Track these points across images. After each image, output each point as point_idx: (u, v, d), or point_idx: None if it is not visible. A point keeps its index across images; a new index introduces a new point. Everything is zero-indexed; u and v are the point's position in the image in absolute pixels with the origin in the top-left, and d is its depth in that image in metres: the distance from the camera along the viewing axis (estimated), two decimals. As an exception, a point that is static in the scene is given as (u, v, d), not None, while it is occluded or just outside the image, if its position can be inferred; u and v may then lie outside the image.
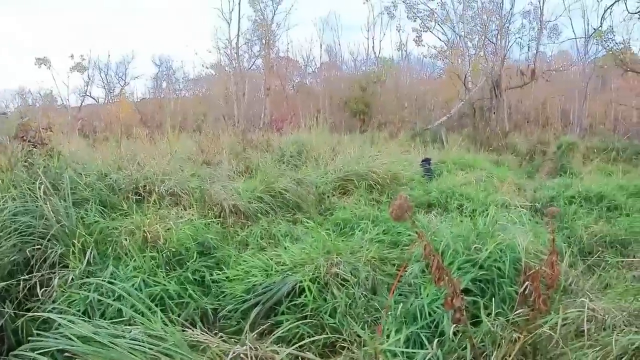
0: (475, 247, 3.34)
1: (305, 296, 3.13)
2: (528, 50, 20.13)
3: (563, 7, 19.94)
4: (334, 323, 2.96)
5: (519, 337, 2.41)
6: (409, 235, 4.47)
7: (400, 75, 26.18)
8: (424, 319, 2.74)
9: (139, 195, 4.89)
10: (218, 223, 4.70)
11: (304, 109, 20.48)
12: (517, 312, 2.58)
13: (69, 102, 26.57)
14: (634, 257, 4.87)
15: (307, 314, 3.06)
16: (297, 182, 5.99)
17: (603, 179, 9.50)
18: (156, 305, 2.95)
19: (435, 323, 2.73)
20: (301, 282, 3.19)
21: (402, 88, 24.62)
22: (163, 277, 3.45)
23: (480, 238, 3.52)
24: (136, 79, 30.61)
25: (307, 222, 4.92)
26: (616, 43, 11.57)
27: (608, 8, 8.93)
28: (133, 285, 3.23)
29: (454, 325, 2.44)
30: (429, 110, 23.66)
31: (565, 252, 3.96)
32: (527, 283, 2.53)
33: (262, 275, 3.45)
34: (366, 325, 2.93)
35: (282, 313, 3.13)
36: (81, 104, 26.67)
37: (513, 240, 3.35)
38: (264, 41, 23.07)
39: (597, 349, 2.29)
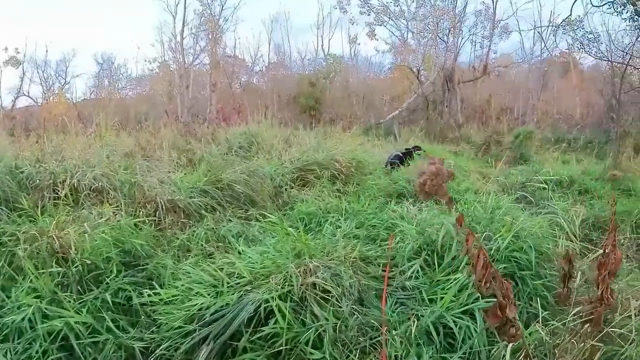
0: (484, 237, 2.67)
1: (276, 322, 2.19)
2: (481, 47, 20.25)
3: (514, 8, 20.50)
4: (323, 358, 2.07)
5: (584, 344, 1.74)
6: (389, 227, 3.81)
7: (349, 72, 25.74)
8: (443, 335, 2.00)
9: (56, 194, 3.87)
10: (151, 224, 3.72)
11: (251, 106, 19.51)
12: (574, 311, 1.91)
13: (1, 100, 23.87)
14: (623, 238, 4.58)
15: (280, 348, 2.14)
16: (249, 173, 5.16)
17: (564, 166, 9.40)
18: (59, 348, 2.08)
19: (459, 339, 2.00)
20: (267, 301, 2.26)
21: (351, 85, 24.17)
22: (72, 302, 2.51)
23: (486, 226, 2.87)
24: (77, 77, 28.20)
25: (265, 219, 4.08)
26: (586, 32, 11.59)
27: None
28: (24, 318, 2.29)
29: (507, 343, 1.72)
30: (378, 106, 23.32)
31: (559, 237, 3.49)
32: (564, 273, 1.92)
33: (210, 295, 2.47)
34: (365, 353, 2.08)
35: (244, 350, 2.18)
36: (14, 101, 23.96)
37: (530, 226, 2.71)
38: (210, 36, 21.90)
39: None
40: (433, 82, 18.98)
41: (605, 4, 8.82)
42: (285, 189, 5.44)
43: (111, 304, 2.57)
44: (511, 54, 23.74)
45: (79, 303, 2.53)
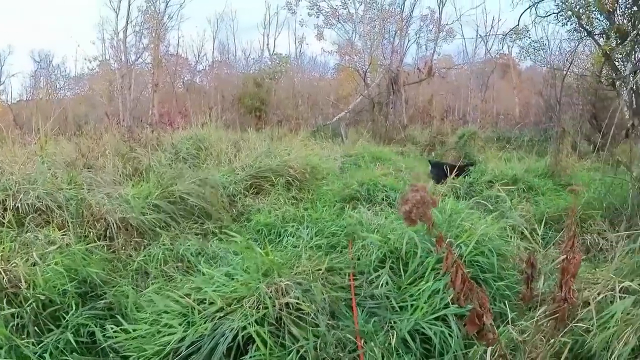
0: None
1: (256, 349, 2.14)
2: (426, 49, 21.03)
3: (458, 14, 21.55)
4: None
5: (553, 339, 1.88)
6: (349, 234, 3.87)
7: (295, 73, 25.73)
8: (419, 342, 2.08)
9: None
10: (104, 246, 3.52)
11: (194, 107, 19.02)
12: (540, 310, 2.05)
13: None
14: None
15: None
16: (201, 183, 5.06)
17: (508, 164, 9.92)
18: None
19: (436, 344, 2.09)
20: (245, 328, 2.19)
21: (297, 85, 24.17)
22: (32, 346, 2.32)
23: (446, 232, 2.98)
24: (12, 77, 26.24)
25: (222, 232, 4.02)
26: (533, 41, 12.27)
27: (526, 10, 9.35)
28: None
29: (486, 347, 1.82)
30: (322, 107, 23.49)
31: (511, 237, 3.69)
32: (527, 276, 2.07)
33: (181, 325, 2.34)
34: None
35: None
36: None
37: (488, 230, 2.86)
38: (154, 34, 21.14)
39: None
40: (379, 84, 19.46)
41: (550, 14, 9.44)
42: (240, 198, 5.38)
43: (74, 343, 2.40)
44: (453, 56, 25.00)
45: (40, 347, 2.34)
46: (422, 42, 21.09)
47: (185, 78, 26.10)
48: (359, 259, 3.14)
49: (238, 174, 5.92)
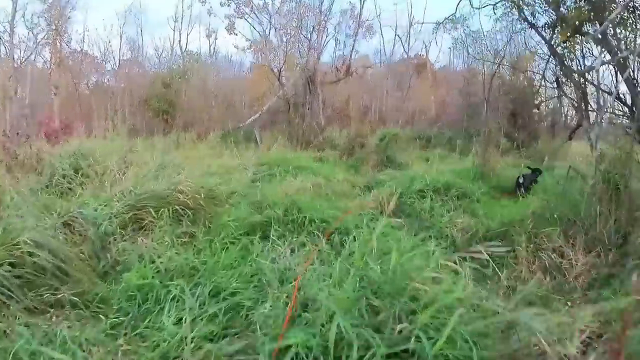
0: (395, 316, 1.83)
1: None
2: (344, 46, 20.31)
3: (378, 11, 21.08)
4: None
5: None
6: (257, 287, 2.85)
7: (208, 71, 24.07)
8: None
9: None
10: None
11: (100, 110, 16.84)
12: None
13: None
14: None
15: None
16: (65, 224, 3.73)
17: (433, 166, 9.39)
18: None
19: None
20: None
21: (209, 85, 22.54)
22: None
23: (393, 296, 2.02)
24: None
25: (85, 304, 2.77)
26: (471, 30, 11.89)
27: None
28: None
29: None
30: (238, 108, 22.12)
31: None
32: None
33: None
34: None
35: None
36: None
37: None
38: (53, 26, 18.37)
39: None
40: (294, 84, 18.47)
41: (486, 6, 9.00)
42: (115, 240, 4.08)
43: None
44: (370, 56, 24.77)
45: None
46: (342, 38, 20.43)
47: (93, 79, 23.53)
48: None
49: (117, 203, 4.60)
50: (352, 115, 18.42)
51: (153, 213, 4.27)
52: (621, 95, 7.73)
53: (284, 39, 18.63)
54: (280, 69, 17.92)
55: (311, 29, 18.72)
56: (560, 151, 14.33)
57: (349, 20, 20.11)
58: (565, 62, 6.91)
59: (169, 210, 4.37)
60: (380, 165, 10.27)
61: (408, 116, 21.07)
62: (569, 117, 16.02)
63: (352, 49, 19.31)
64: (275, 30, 18.69)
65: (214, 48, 25.35)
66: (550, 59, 7.27)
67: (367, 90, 23.48)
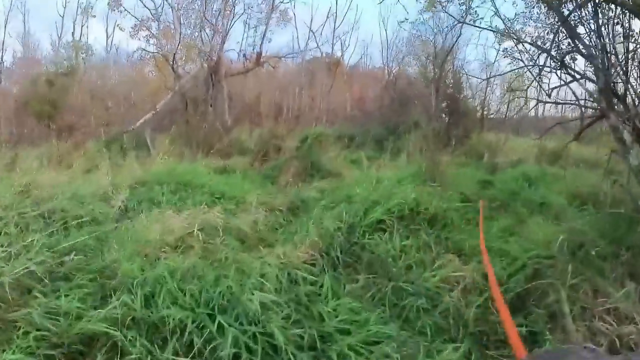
0: None
1: None
2: (255, 32, 17.17)
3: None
4: None
5: None
6: None
7: (99, 66, 20.77)
8: None
9: None
10: None
11: None
12: None
13: None
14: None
15: None
16: None
17: (369, 173, 7.18)
18: None
19: None
20: None
21: (99, 81, 18.82)
22: None
23: None
24: None
25: None
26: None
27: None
28: None
29: None
30: (131, 106, 18.58)
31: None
32: None
33: None
34: None
35: None
36: None
37: None
38: None
39: None
40: (195, 76, 15.39)
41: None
42: None
43: None
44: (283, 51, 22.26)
45: None
46: (253, 22, 17.27)
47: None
48: None
49: None
50: (264, 114, 15.70)
51: None
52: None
53: (183, 22, 15.53)
54: (174, 54, 14.61)
55: (217, 12, 15.82)
56: (498, 147, 13.16)
57: (262, 3, 17.05)
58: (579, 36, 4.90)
59: None
60: (304, 174, 7.78)
61: (327, 115, 18.83)
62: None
63: (264, 36, 16.45)
64: (172, 10, 15.44)
65: (111, 41, 21.36)
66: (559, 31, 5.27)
67: (279, 87, 21.03)
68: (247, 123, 14.63)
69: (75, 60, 18.92)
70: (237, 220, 4.38)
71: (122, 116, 17.21)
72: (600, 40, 4.94)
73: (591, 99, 5.83)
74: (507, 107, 18.07)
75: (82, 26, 21.28)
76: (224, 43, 15.48)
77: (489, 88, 17.65)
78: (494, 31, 6.98)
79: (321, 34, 21.23)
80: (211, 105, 14.61)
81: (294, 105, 20.28)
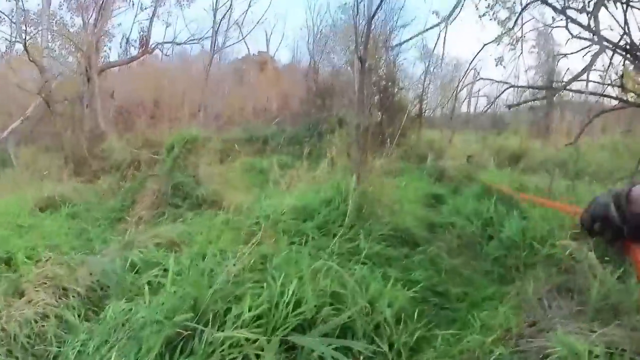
0: None
1: None
2: (149, 15, 13.75)
3: None
4: None
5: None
6: None
7: None
8: None
9: None
10: None
11: None
12: None
13: None
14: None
15: None
16: None
17: (270, 196, 4.63)
18: None
19: None
20: None
21: None
22: None
23: None
24: None
25: None
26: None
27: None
28: None
29: None
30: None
31: None
32: None
33: None
34: None
35: None
36: None
37: None
38: None
39: None
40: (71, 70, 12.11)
41: None
42: None
43: None
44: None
45: None
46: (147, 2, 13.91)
47: None
48: None
49: None
50: (156, 114, 12.54)
51: None
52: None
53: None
54: (25, 39, 10.91)
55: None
56: (439, 147, 11.32)
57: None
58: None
59: None
60: (163, 203, 4.96)
61: (243, 114, 16.13)
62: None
63: (153, 14, 13.19)
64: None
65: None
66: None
67: (194, 83, 17.98)
68: (122, 128, 11.42)
69: None
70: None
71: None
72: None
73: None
74: (454, 99, 16.27)
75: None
76: (100, 29, 12.14)
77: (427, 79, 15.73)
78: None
79: (242, 24, 18.15)
80: (87, 107, 11.40)
81: (208, 104, 17.20)
